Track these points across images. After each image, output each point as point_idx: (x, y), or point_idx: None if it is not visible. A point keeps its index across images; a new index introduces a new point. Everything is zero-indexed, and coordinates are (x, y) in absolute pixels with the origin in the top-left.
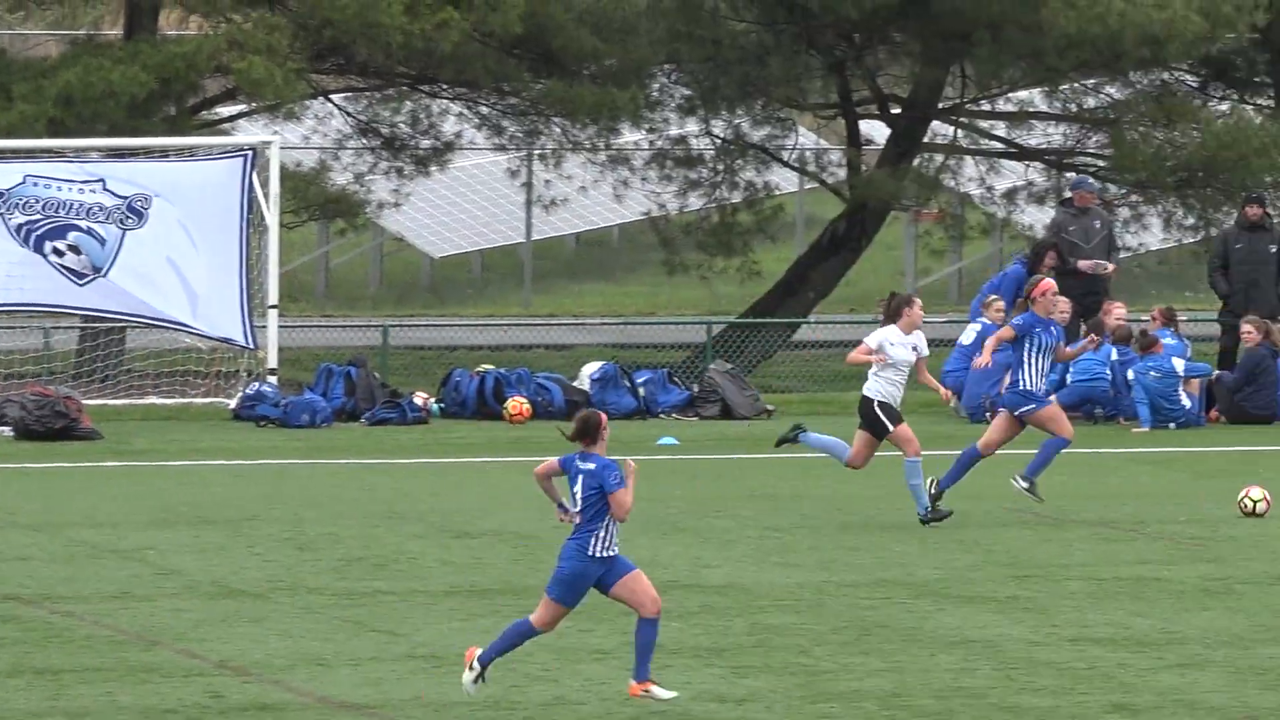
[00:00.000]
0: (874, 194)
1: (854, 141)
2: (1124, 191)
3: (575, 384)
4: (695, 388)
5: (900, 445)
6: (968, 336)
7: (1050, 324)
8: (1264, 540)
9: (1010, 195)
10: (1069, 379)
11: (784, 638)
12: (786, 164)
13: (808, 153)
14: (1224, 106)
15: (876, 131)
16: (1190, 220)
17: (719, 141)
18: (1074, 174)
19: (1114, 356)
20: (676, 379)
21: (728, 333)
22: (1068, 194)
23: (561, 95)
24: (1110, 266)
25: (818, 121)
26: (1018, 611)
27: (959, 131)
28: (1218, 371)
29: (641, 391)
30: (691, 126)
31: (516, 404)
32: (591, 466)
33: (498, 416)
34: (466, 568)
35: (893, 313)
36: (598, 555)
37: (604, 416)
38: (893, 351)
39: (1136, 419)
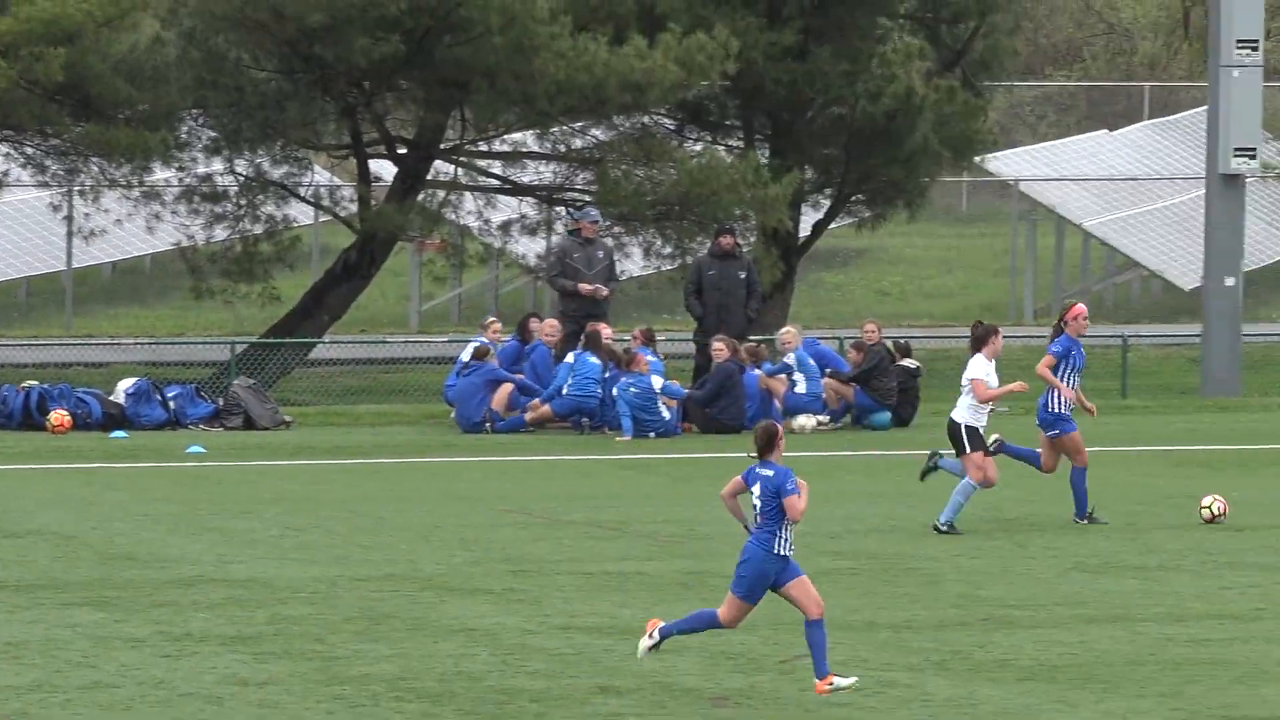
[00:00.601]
0: (382, 226)
1: (364, 178)
2: (608, 223)
3: (111, 398)
4: (221, 401)
5: (968, 468)
6: (467, 354)
7: (1080, 345)
8: (734, 538)
9: (505, 227)
10: (565, 390)
11: (301, 627)
12: (303, 199)
13: (322, 189)
14: (698, 147)
15: (385, 169)
16: (668, 249)
17: (242, 179)
18: (564, 208)
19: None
20: (204, 393)
21: (250, 351)
22: (564, 227)
23: (99, 137)
24: (606, 291)
25: (332, 160)
26: (513, 603)
27: (459, 170)
28: (689, 390)
29: (172, 404)
30: (217, 165)
31: (58, 416)
32: (770, 474)
33: (41, 428)
34: (12, 564)
35: (978, 340)
36: (778, 552)
37: (780, 428)
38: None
39: (620, 429)
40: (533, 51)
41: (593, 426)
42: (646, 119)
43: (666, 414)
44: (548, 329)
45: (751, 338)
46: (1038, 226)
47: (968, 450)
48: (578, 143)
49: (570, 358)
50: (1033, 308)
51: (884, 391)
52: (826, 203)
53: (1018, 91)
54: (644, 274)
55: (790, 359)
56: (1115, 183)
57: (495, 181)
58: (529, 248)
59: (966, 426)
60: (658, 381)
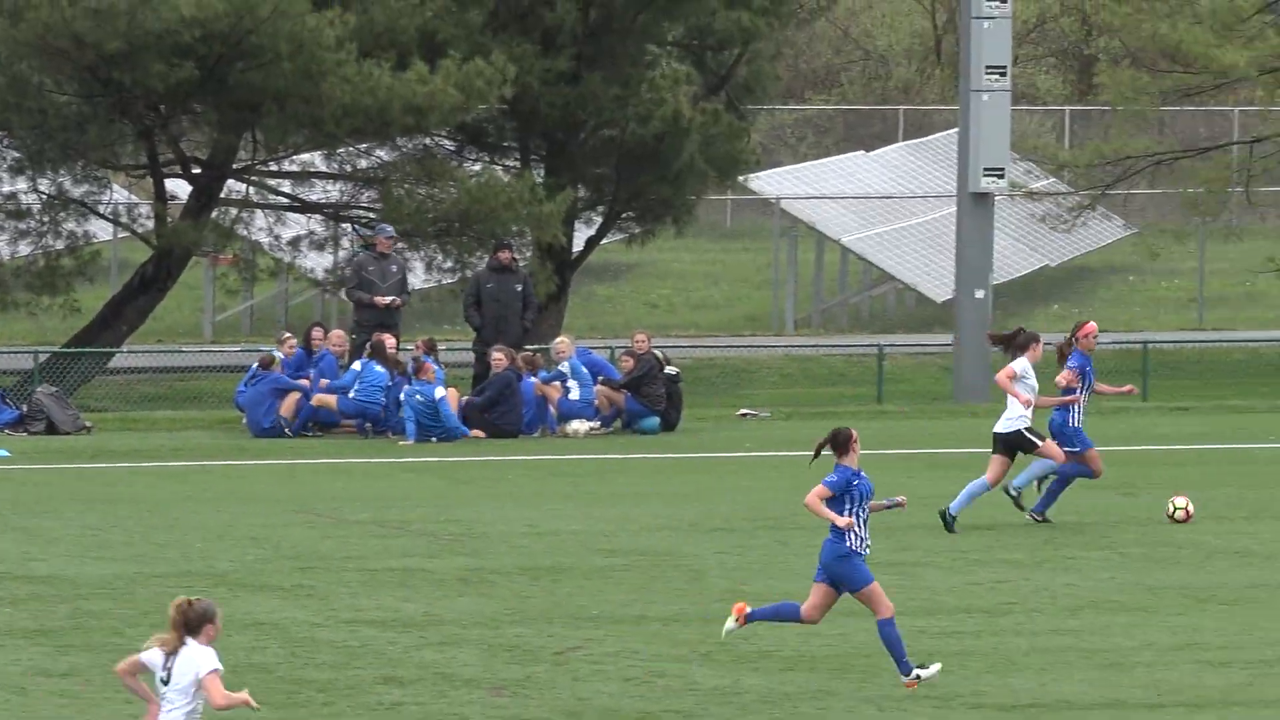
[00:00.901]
0: (178, 241)
1: (161, 196)
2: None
3: None
4: (24, 407)
5: (1050, 456)
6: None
7: (1090, 361)
8: (512, 536)
9: (295, 243)
10: (352, 394)
11: (100, 621)
12: (103, 216)
13: (121, 206)
14: (477, 167)
15: (180, 188)
16: (449, 264)
17: (45, 197)
18: (350, 225)
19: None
20: (8, 400)
21: (53, 360)
22: (352, 243)
23: None
24: (399, 301)
25: (130, 179)
26: (302, 598)
27: (251, 188)
28: (467, 396)
29: None
30: (21, 184)
31: None
32: (834, 478)
33: None
34: None
35: (1021, 345)
36: (852, 548)
37: (851, 431)
38: (1029, 379)
39: (404, 433)
40: (320, 77)
41: (376, 431)
42: (428, 140)
43: (450, 421)
44: (335, 339)
45: (528, 347)
46: (798, 242)
47: (1039, 444)
48: (363, 163)
49: (358, 365)
50: (793, 318)
51: (653, 398)
52: (599, 219)
53: (779, 114)
54: (426, 287)
55: (564, 367)
56: (871, 201)
57: (285, 199)
58: (317, 262)
59: (1026, 428)
60: (440, 391)
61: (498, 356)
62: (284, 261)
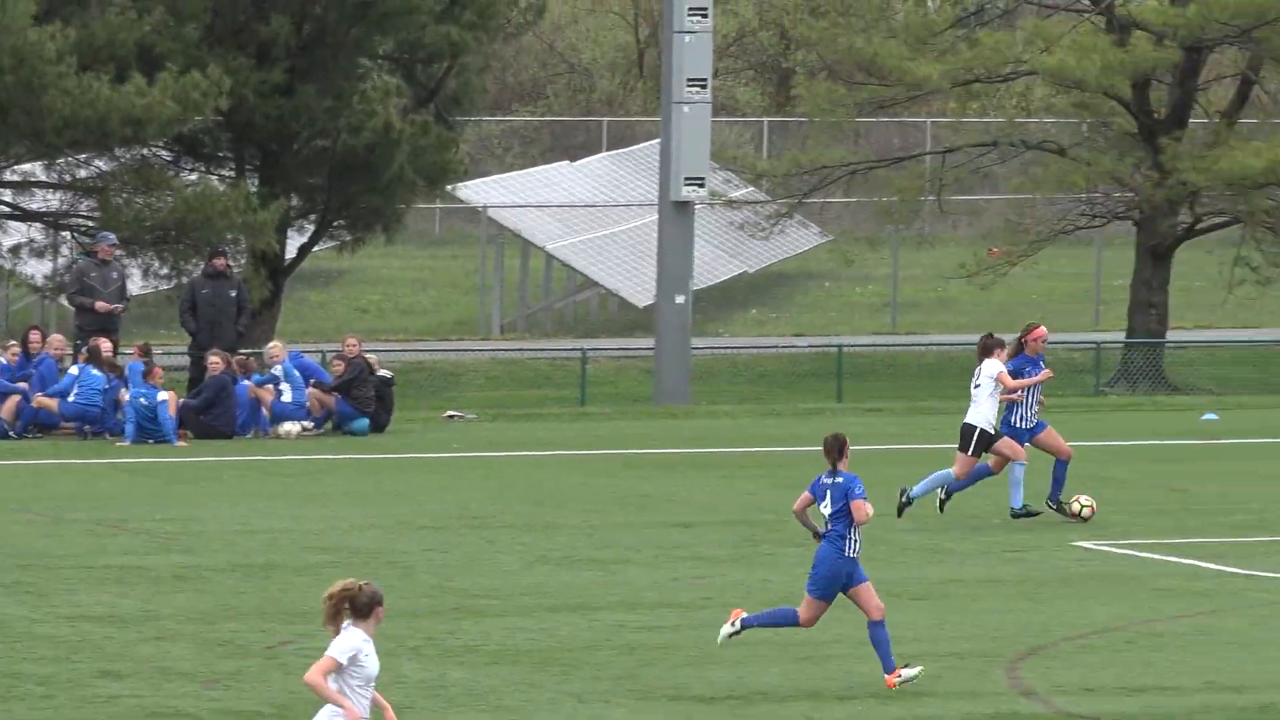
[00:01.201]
0: None
1: None
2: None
3: None
4: None
5: (956, 469)
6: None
7: (1037, 362)
8: (226, 534)
9: (15, 250)
10: (71, 398)
11: None
12: None
13: None
14: (194, 177)
15: None
16: (165, 270)
17: None
18: (69, 233)
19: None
20: None
21: None
22: (71, 251)
23: None
24: (121, 307)
25: None
26: (20, 594)
27: None
28: (184, 399)
29: None
30: None
31: None
32: (839, 480)
33: None
34: None
35: (987, 349)
36: (849, 554)
37: (847, 438)
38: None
39: (122, 434)
40: (41, 89)
41: (94, 433)
42: (146, 151)
43: (168, 423)
44: (55, 344)
45: (242, 351)
46: (505, 249)
47: (969, 452)
48: (82, 172)
49: (75, 369)
50: (499, 323)
51: (363, 400)
52: (311, 227)
53: (486, 126)
54: (143, 293)
55: (277, 370)
56: (576, 209)
57: (5, 208)
58: (37, 269)
59: (981, 430)
60: (162, 395)
61: (214, 360)
62: (4, 268)
